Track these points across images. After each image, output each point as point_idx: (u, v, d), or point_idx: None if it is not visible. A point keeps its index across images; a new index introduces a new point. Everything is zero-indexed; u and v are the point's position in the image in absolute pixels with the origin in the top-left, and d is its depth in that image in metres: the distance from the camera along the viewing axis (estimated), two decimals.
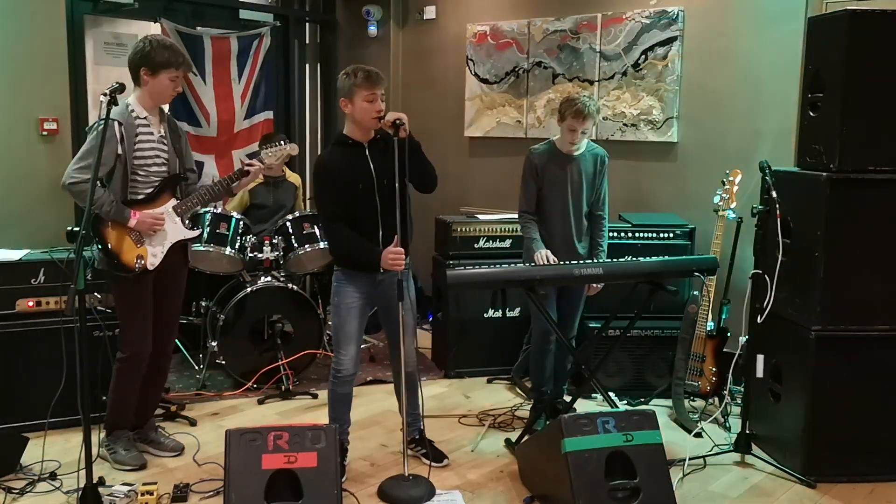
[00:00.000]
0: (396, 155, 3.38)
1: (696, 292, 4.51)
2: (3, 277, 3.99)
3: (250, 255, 4.86)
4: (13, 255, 4.08)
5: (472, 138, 6.20)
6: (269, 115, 6.31)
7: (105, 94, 3.17)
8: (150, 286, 3.63)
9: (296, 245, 4.90)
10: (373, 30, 6.52)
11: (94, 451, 3.31)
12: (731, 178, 4.41)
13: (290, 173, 5.68)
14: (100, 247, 3.50)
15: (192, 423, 4.25)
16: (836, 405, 3.64)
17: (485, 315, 5.13)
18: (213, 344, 4.74)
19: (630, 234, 4.84)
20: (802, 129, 3.84)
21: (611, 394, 4.66)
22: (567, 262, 3.88)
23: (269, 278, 4.87)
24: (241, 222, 4.86)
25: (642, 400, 4.71)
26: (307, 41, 6.91)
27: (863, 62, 3.46)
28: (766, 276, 3.74)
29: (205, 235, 4.71)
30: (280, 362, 4.71)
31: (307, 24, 6.89)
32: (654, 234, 4.85)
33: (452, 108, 6.29)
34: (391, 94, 6.54)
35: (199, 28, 5.99)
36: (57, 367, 3.63)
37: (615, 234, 4.82)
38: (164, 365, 3.85)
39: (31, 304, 4.03)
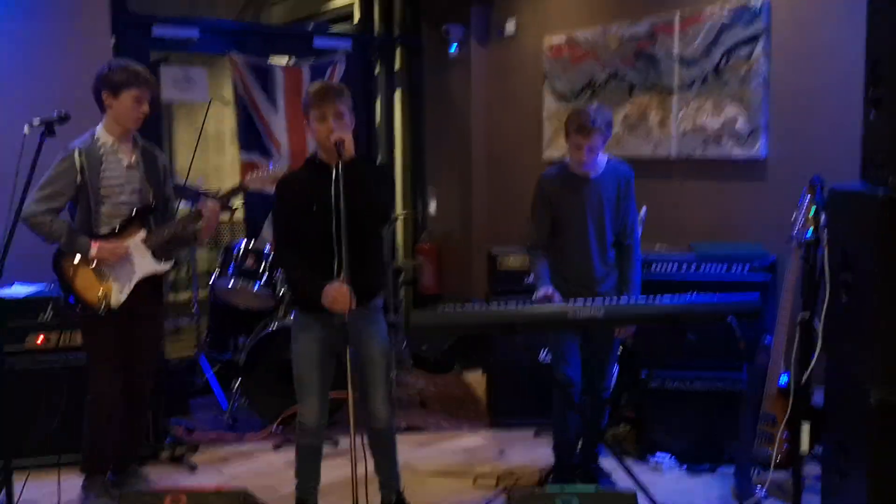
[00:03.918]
0: (336, 179, 2.97)
1: (770, 337, 3.70)
2: (12, 314, 4.00)
3: (282, 289, 4.61)
4: (23, 290, 4.08)
5: (551, 161, 5.64)
6: None
7: (30, 125, 3.03)
8: (119, 325, 3.46)
9: None
10: (453, 50, 6.14)
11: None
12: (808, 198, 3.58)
13: None
14: (61, 284, 3.38)
15: (193, 467, 4.04)
16: None
17: (538, 359, 4.56)
18: (237, 383, 4.54)
19: (694, 268, 4.10)
20: (865, 135, 3.00)
21: (664, 457, 3.97)
22: (560, 303, 3.28)
23: None
24: (272, 256, 4.64)
25: (708, 466, 3.94)
26: (396, 66, 6.67)
27: None
28: (815, 323, 2.95)
29: (232, 270, 4.56)
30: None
31: (397, 48, 6.65)
32: (725, 268, 4.07)
33: (531, 128, 5.76)
34: (472, 117, 6.13)
35: (271, 58, 5.91)
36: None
37: (676, 267, 4.11)
38: (140, 408, 3.66)
39: (39, 340, 4.01)
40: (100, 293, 3.34)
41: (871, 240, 2.76)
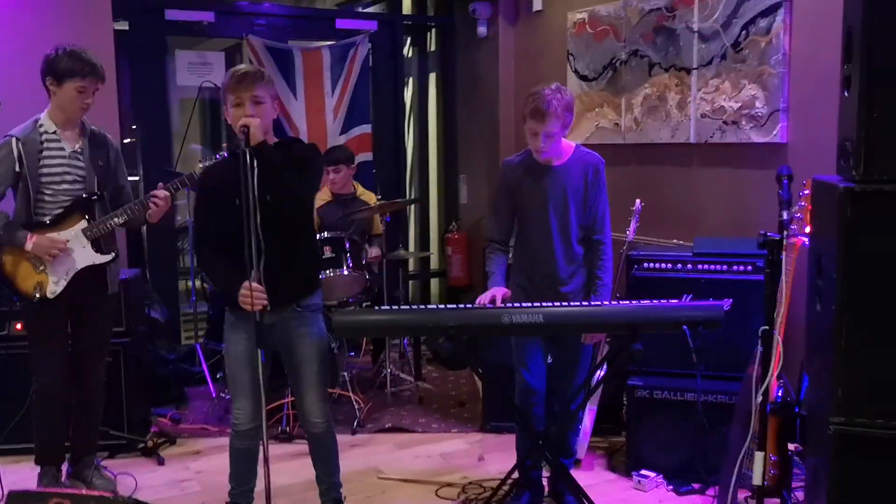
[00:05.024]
0: (246, 169, 2.76)
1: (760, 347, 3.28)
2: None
3: None
4: None
5: None
6: (367, 128, 5.92)
7: None
8: (61, 316, 3.40)
9: None
10: (482, 29, 5.84)
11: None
12: (806, 193, 3.14)
13: (363, 190, 5.24)
14: None
15: (161, 461, 3.98)
16: None
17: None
18: (220, 376, 4.45)
19: (690, 267, 3.70)
20: (839, 118, 2.57)
21: (651, 474, 3.62)
22: (500, 307, 2.97)
23: None
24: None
25: (697, 487, 3.57)
26: (430, 47, 6.43)
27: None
28: (777, 336, 2.56)
29: None
30: (282, 401, 4.26)
31: (430, 29, 6.40)
32: (725, 267, 3.66)
33: None
34: (500, 100, 5.81)
35: (290, 42, 5.78)
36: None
37: (670, 265, 3.72)
38: (89, 401, 3.57)
39: (18, 326, 4.02)
40: (35, 284, 3.28)
41: (833, 241, 2.36)
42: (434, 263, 6.60)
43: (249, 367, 3.00)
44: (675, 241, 4.39)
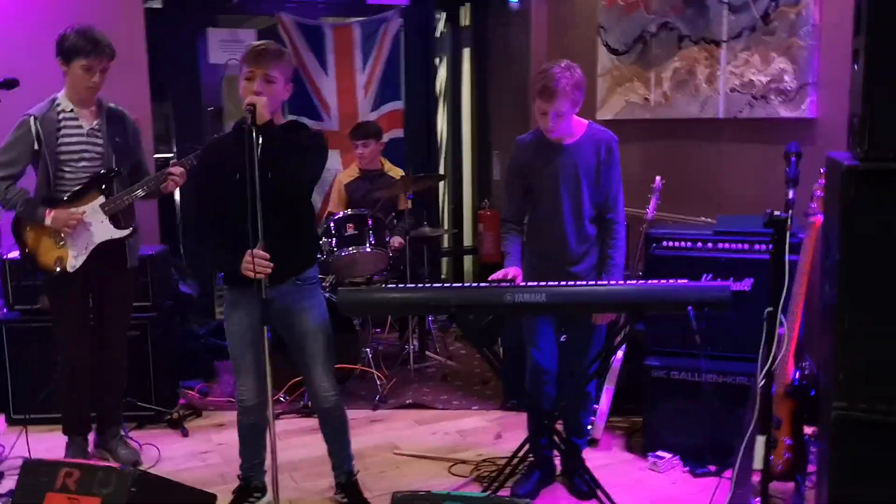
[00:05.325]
0: (250, 146, 2.77)
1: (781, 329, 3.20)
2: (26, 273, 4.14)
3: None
4: None
5: (603, 123, 5.17)
6: (398, 105, 5.91)
7: None
8: (82, 293, 3.49)
9: (335, 248, 4.45)
10: (514, 2, 5.77)
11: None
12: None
13: (391, 166, 5.24)
14: (20, 249, 3.44)
15: (185, 433, 4.07)
16: None
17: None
18: None
19: (710, 245, 3.62)
20: (850, 92, 2.48)
21: (667, 455, 3.58)
22: (504, 286, 2.95)
23: None
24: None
25: (714, 469, 3.51)
26: (463, 22, 6.38)
27: None
28: (782, 317, 2.50)
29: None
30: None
31: (463, 3, 6.34)
32: (746, 246, 3.57)
33: (587, 87, 5.30)
34: (531, 74, 5.74)
35: (321, 19, 5.79)
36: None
37: (690, 244, 3.65)
38: (112, 375, 3.67)
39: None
40: (56, 258, 3.37)
41: (837, 222, 2.29)
42: (468, 240, 6.59)
43: (251, 345, 3.03)
44: (702, 218, 4.31)
